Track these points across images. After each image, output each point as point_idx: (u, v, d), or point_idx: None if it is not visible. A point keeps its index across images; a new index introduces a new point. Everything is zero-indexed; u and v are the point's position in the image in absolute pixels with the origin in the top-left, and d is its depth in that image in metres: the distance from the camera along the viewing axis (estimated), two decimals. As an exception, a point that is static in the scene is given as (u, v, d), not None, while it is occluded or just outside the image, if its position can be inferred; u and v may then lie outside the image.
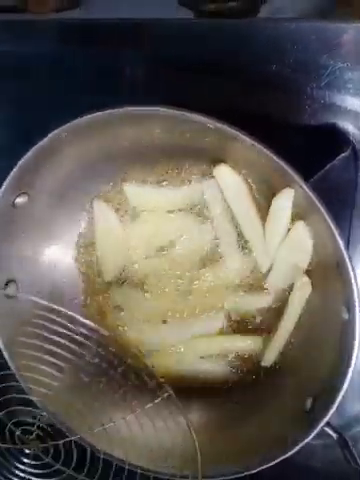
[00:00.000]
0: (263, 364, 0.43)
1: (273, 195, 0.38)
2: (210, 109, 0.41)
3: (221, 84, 0.42)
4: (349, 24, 0.39)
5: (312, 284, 0.39)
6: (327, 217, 0.32)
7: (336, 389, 0.34)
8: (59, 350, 0.43)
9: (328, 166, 0.38)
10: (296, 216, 0.39)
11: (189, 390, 0.44)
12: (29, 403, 0.42)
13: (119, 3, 0.48)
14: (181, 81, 0.43)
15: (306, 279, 0.40)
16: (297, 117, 0.41)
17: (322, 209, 0.31)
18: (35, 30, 0.47)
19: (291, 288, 0.41)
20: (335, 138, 0.41)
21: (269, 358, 0.43)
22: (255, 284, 0.43)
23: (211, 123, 0.31)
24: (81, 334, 0.44)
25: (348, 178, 0.40)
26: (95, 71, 0.45)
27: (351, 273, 0.32)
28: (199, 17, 0.45)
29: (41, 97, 0.48)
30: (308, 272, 0.40)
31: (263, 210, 0.40)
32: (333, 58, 0.40)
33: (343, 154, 0.38)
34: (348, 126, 0.40)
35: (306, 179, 0.37)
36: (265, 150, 0.31)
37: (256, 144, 0.31)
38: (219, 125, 0.31)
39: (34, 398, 0.41)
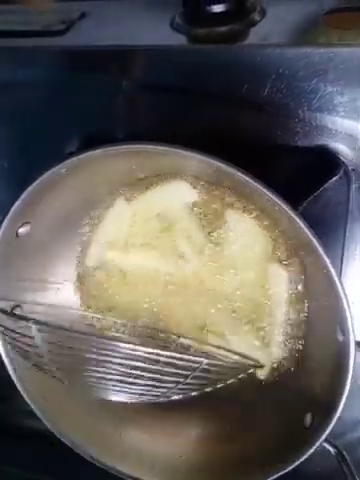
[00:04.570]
0: (260, 377, 0.44)
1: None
2: (201, 134, 0.42)
3: (211, 109, 0.43)
4: (337, 48, 0.40)
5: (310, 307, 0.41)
6: (318, 246, 0.33)
7: (334, 406, 0.36)
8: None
9: (320, 189, 0.39)
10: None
11: (188, 404, 0.45)
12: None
13: (108, 29, 0.48)
14: (171, 107, 0.44)
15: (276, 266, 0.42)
16: (288, 141, 0.42)
17: (313, 238, 0.32)
18: (23, 57, 0.47)
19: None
20: (326, 160, 0.41)
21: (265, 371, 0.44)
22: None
23: (202, 160, 0.32)
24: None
25: (340, 200, 0.41)
26: (86, 99, 0.45)
27: (344, 299, 0.33)
28: (192, 42, 0.45)
29: (29, 123, 0.48)
30: (304, 295, 0.41)
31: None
32: (323, 82, 0.40)
33: (334, 178, 0.39)
34: (338, 148, 0.41)
35: (298, 202, 0.38)
36: (256, 184, 0.32)
37: (249, 180, 0.31)
38: (214, 162, 0.32)
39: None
